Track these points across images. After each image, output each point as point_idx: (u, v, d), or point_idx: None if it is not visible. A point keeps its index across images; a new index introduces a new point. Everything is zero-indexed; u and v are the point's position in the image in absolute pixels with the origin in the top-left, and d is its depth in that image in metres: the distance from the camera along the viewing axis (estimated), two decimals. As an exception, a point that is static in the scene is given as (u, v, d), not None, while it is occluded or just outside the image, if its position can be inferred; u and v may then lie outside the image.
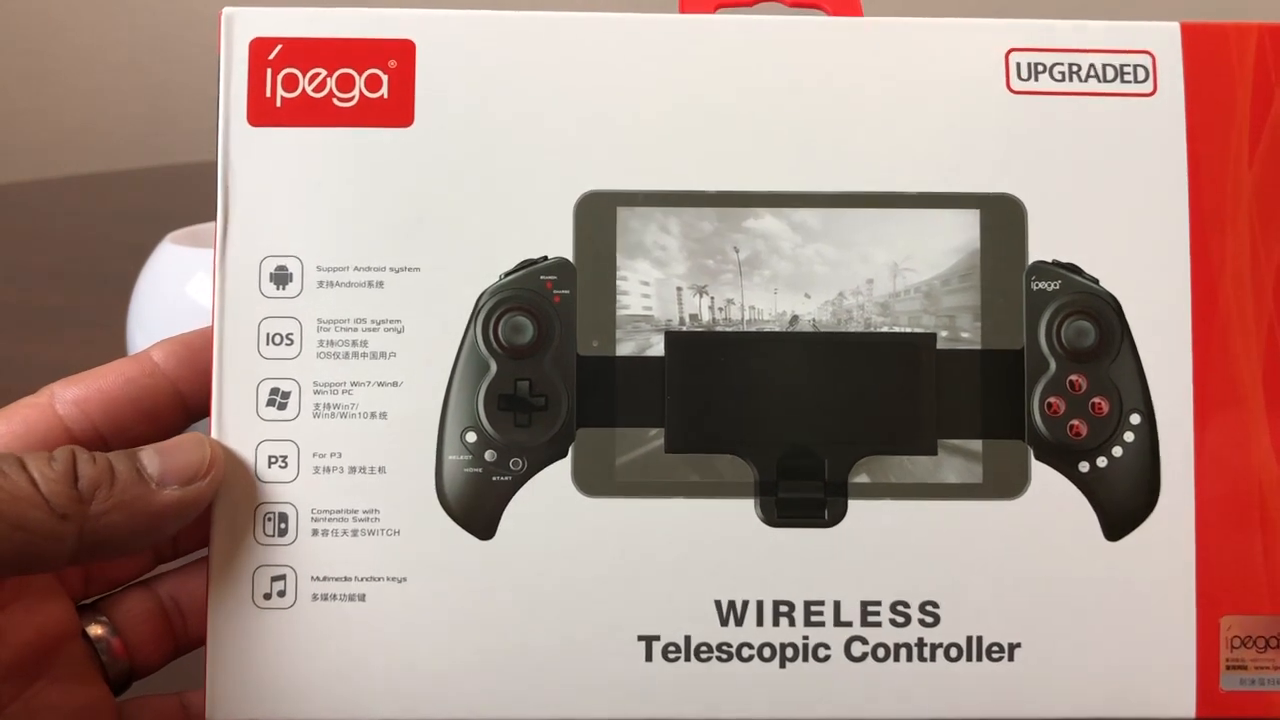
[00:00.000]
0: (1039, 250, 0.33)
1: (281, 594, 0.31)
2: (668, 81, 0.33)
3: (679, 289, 0.32)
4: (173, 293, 0.48)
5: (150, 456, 0.30)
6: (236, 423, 0.32)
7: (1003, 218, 0.33)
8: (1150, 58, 0.33)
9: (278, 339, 0.32)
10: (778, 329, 0.32)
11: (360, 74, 0.32)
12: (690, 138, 0.33)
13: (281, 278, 0.32)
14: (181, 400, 0.32)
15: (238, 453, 0.32)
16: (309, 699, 0.31)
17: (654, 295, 0.32)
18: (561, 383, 0.32)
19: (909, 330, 0.33)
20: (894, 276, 0.33)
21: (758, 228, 0.33)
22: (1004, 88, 0.33)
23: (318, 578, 0.31)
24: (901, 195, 0.33)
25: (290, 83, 0.32)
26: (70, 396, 0.31)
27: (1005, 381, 0.33)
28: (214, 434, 0.32)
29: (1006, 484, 0.32)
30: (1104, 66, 0.33)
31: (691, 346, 0.32)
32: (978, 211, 0.33)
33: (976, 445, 0.32)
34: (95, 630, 0.31)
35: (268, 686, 0.31)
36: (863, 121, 0.33)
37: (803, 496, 0.32)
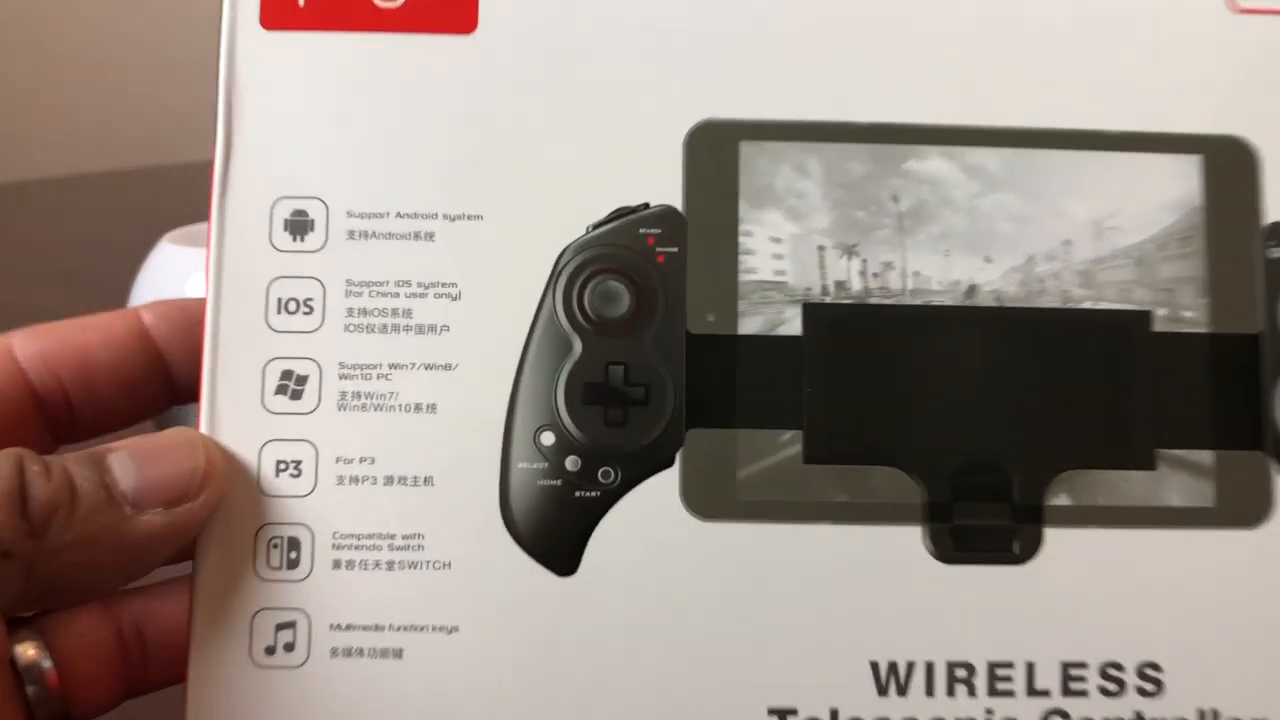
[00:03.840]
0: (1278, 208, 0.25)
1: (290, 647, 0.23)
2: (805, -17, 0.25)
3: (821, 248, 0.25)
4: (171, 293, 0.45)
5: (124, 465, 0.22)
6: (235, 415, 0.24)
7: (1230, 166, 0.25)
8: None
9: (293, 306, 0.24)
10: (950, 302, 0.25)
11: (408, -34, 0.25)
12: (836, 55, 0.25)
13: (300, 225, 0.24)
14: (168, 376, 0.26)
15: (236, 455, 0.24)
16: (327, 793, 0.23)
17: (788, 256, 0.25)
18: (666, 369, 0.24)
19: (1116, 307, 0.25)
20: (1097, 237, 0.25)
21: (923, 171, 0.25)
22: (1225, 6, 0.26)
23: (339, 626, 0.23)
24: (1105, 135, 0.25)
25: (316, -25, 0.25)
26: (36, 350, 0.25)
27: (1240, 375, 0.25)
28: (204, 429, 0.24)
29: (1245, 508, 0.25)
30: (1350, -19, 0.26)
31: (838, 324, 0.25)
32: (1199, 158, 0.25)
33: (1207, 457, 0.25)
34: (27, 653, 0.23)
35: (269, 774, 0.23)
36: (1055, 44, 0.26)
37: (985, 523, 0.24)
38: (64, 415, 0.26)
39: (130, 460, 0.22)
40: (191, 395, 0.25)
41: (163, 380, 0.26)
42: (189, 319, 0.26)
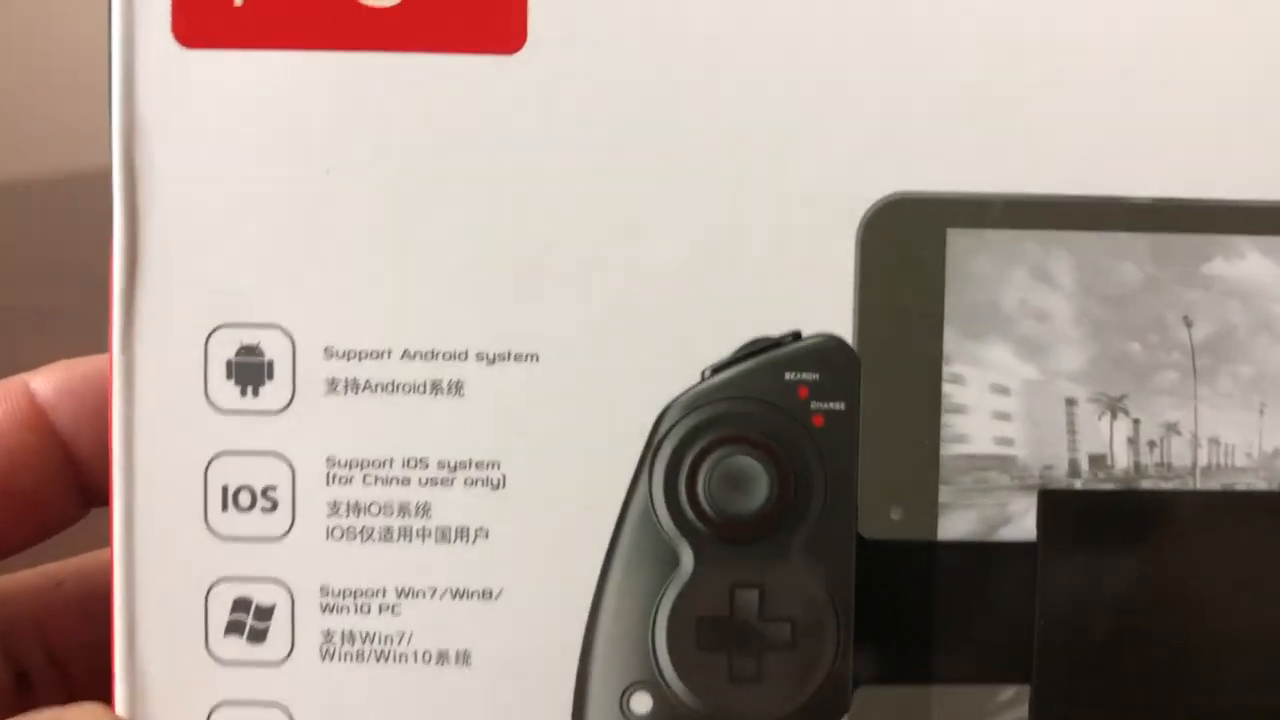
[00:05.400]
0: None
1: None
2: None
3: (1070, 403, 0.16)
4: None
5: None
6: (167, 667, 0.16)
7: None
8: None
9: (246, 499, 0.16)
10: (1264, 486, 0.16)
11: (410, -62, 0.15)
12: (1088, 96, 0.16)
13: (252, 371, 0.16)
14: (77, 474, 0.19)
15: (168, 739, 0.16)
16: None
17: (1019, 415, 0.16)
18: (825, 594, 0.16)
19: None
20: None
21: (1231, 277, 0.16)
22: None
23: None
24: None
25: (261, -46, 0.15)
26: None
27: None
28: (120, 693, 0.16)
29: None
30: None
31: (1093, 522, 0.16)
32: None
33: None
34: None
35: None
36: None
37: (1298, 817, 0.16)
38: None
39: None
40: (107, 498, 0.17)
41: (70, 480, 0.19)
42: (91, 387, 0.19)
